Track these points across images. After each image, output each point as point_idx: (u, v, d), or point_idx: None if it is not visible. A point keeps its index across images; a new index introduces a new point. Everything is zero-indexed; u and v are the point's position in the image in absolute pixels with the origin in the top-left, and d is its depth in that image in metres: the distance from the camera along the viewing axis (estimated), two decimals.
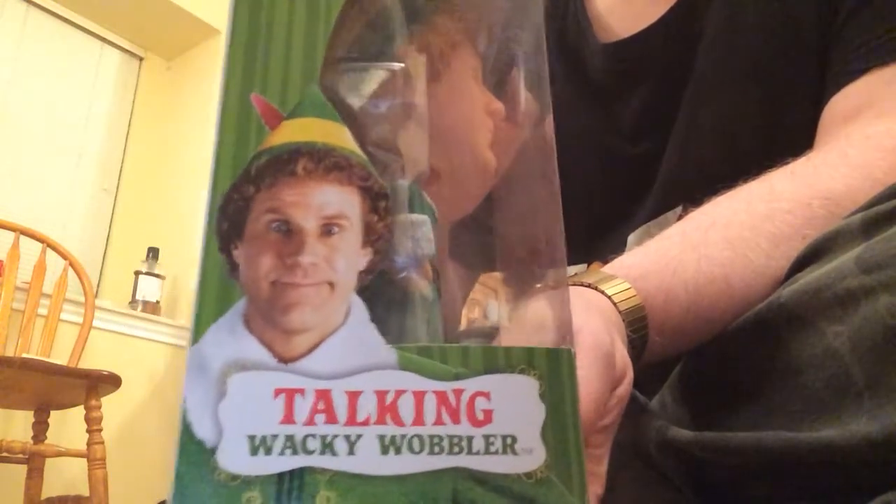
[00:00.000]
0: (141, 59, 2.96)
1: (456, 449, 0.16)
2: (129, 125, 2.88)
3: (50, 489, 1.94)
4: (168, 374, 2.51)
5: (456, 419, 0.17)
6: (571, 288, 0.32)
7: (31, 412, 1.91)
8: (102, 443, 1.77)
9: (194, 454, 0.16)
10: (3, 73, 2.52)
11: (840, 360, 0.28)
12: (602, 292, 0.32)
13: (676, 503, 0.37)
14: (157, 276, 2.56)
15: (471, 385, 0.18)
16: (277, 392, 0.16)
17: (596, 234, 0.59)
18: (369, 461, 0.16)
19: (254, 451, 0.16)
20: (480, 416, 0.17)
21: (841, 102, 0.48)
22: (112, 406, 2.04)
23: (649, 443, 0.35)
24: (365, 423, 0.17)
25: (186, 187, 2.73)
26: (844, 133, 0.45)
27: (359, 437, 0.16)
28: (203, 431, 0.16)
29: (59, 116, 2.67)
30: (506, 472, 0.17)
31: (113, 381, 1.77)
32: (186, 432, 0.16)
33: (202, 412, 0.16)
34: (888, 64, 0.46)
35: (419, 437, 0.17)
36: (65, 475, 2.12)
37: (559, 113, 0.61)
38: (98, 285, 2.68)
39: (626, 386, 0.28)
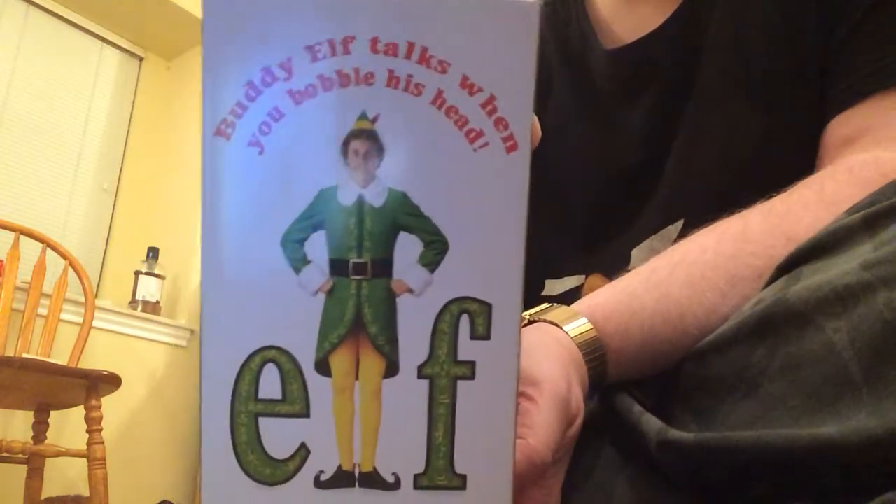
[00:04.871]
0: (141, 59, 2.96)
1: None
2: (129, 125, 2.89)
3: (50, 489, 1.94)
4: (168, 374, 2.51)
5: None
6: (538, 325, 0.39)
7: (31, 412, 1.91)
8: (102, 443, 1.76)
9: None
10: (3, 73, 2.52)
11: (838, 356, 0.28)
12: (566, 332, 0.38)
13: None
14: (157, 276, 2.56)
15: None
16: None
17: (596, 245, 0.59)
18: None
19: None
20: None
21: (840, 126, 0.48)
22: (112, 406, 2.05)
23: (649, 444, 0.35)
24: None
25: (186, 187, 2.73)
26: (838, 159, 0.46)
27: None
28: None
29: (59, 116, 2.67)
30: None
31: (113, 381, 1.77)
32: None
33: None
34: (889, 88, 0.46)
35: None
36: (65, 475, 2.12)
37: (561, 124, 0.61)
38: (98, 285, 2.68)
39: (577, 426, 0.34)
